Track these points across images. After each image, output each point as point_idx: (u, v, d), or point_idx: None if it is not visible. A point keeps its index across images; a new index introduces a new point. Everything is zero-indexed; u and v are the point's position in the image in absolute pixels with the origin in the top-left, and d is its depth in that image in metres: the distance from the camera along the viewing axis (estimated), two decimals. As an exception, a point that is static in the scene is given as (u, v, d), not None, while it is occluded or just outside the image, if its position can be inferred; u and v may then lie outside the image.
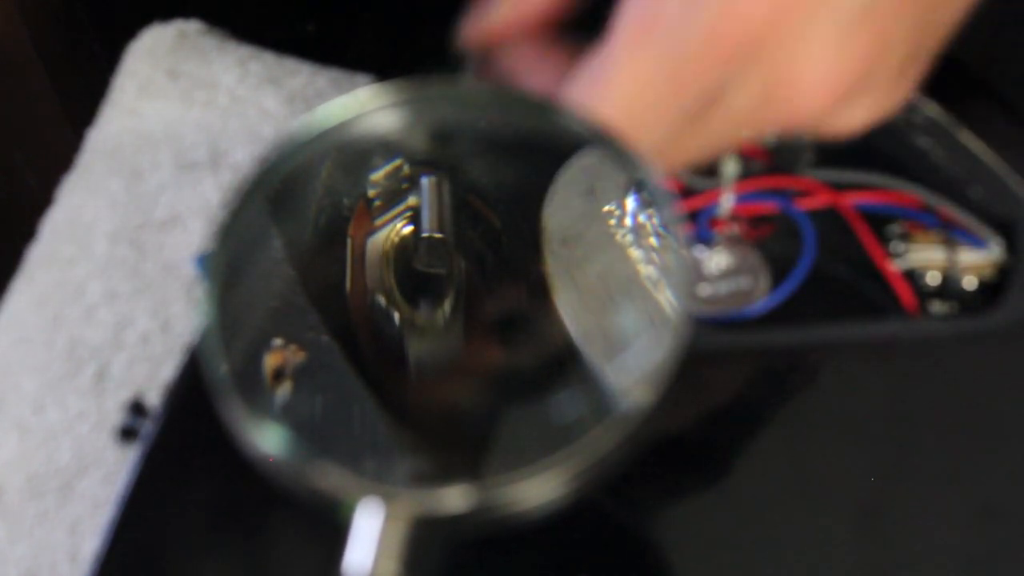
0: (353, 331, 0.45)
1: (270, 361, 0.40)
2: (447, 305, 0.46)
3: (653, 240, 0.47)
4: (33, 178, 0.87)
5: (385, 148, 0.45)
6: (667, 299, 0.43)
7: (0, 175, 0.88)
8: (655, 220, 0.47)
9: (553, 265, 0.48)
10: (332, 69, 0.74)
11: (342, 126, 0.40)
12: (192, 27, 0.76)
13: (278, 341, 0.41)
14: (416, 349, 0.46)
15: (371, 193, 0.46)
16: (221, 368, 0.36)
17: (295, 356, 0.41)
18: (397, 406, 0.44)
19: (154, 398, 0.62)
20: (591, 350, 0.45)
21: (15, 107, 0.88)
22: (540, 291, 0.47)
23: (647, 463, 0.50)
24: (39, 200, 0.72)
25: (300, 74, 0.74)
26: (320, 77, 0.74)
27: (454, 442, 0.43)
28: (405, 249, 0.47)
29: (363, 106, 0.39)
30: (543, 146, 0.43)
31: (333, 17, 0.79)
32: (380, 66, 0.72)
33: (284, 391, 0.40)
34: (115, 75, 0.75)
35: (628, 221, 0.48)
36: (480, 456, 0.41)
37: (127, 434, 0.57)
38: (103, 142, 0.73)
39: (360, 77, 0.74)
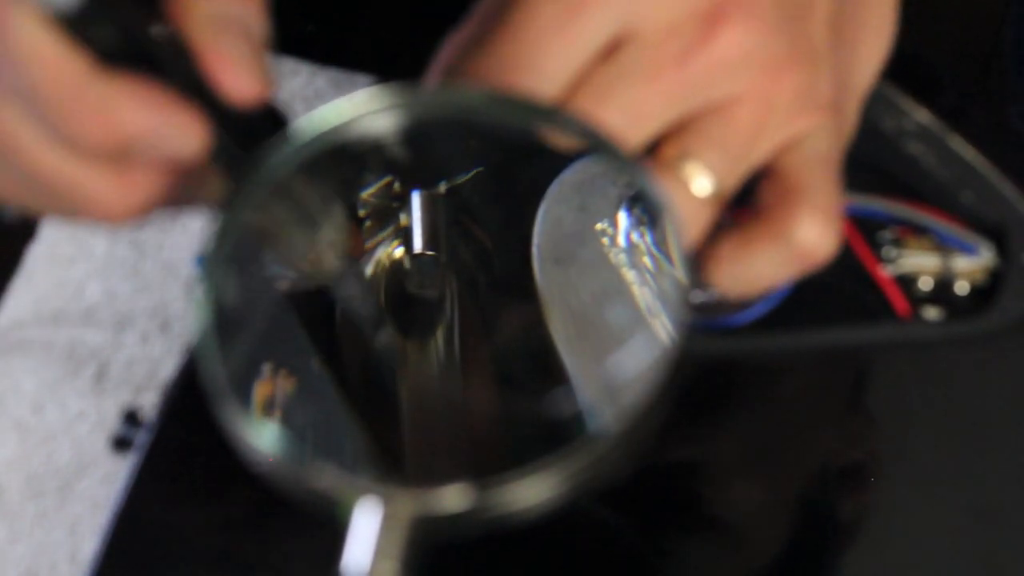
0: (344, 354, 0.45)
1: (259, 392, 0.40)
2: (440, 328, 0.47)
3: (647, 261, 0.47)
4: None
5: (376, 162, 0.45)
6: (662, 322, 0.43)
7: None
8: (648, 239, 0.47)
9: (546, 285, 0.48)
10: (332, 69, 0.74)
11: (336, 131, 0.40)
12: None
13: (267, 367, 0.41)
14: (409, 374, 0.46)
15: (361, 213, 0.46)
16: (217, 372, 0.36)
17: (285, 383, 0.42)
18: (393, 411, 0.44)
19: (153, 398, 0.62)
20: (584, 368, 0.46)
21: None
22: (533, 310, 0.47)
23: (641, 468, 0.50)
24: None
25: (300, 74, 0.74)
26: (320, 77, 0.74)
27: (450, 444, 0.43)
28: (397, 271, 0.47)
29: (358, 110, 0.39)
30: (533, 161, 0.43)
31: (333, 17, 0.79)
32: (380, 66, 0.72)
33: (275, 417, 0.40)
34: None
35: (622, 240, 0.48)
36: (477, 458, 0.41)
37: (121, 444, 0.57)
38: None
39: (360, 77, 0.74)
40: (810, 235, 0.46)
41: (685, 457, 0.51)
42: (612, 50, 0.43)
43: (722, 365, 0.54)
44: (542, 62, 0.42)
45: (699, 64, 0.42)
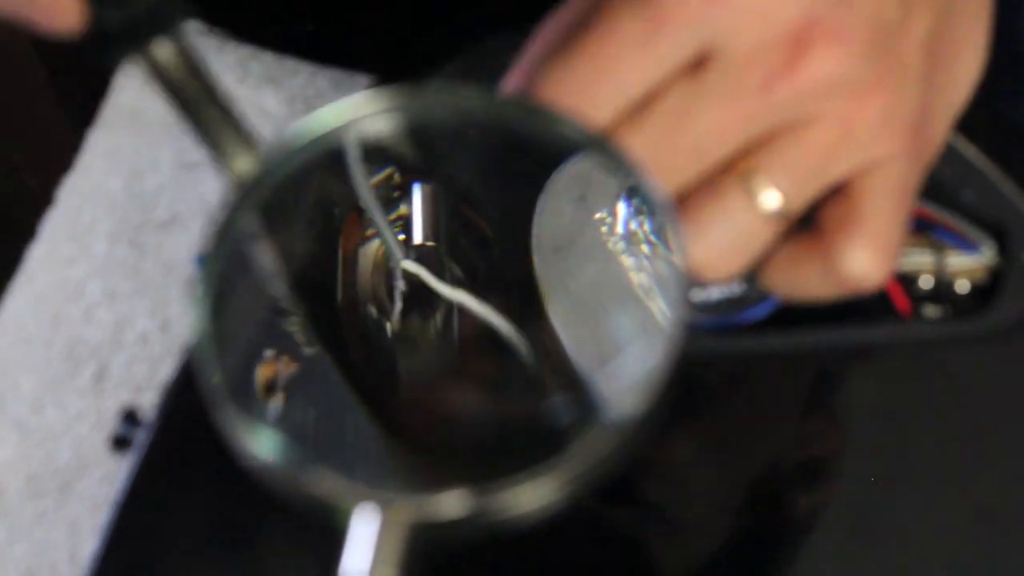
0: (345, 342, 0.45)
1: (262, 373, 0.40)
2: (439, 315, 0.47)
3: (645, 247, 0.47)
4: (33, 178, 0.87)
5: (377, 156, 0.45)
6: (659, 307, 0.43)
7: (0, 175, 0.88)
8: (647, 227, 0.47)
9: (545, 273, 0.48)
10: (332, 69, 0.75)
11: (334, 133, 0.40)
12: (192, 27, 0.76)
13: (269, 352, 0.41)
14: (408, 359, 0.46)
15: (362, 203, 0.46)
16: (214, 376, 0.36)
17: (287, 368, 0.42)
18: (390, 416, 0.44)
19: (152, 398, 0.62)
20: (584, 358, 0.46)
21: (15, 107, 0.88)
22: (532, 299, 0.47)
23: (642, 469, 0.50)
24: (39, 200, 0.72)
25: (300, 74, 0.74)
26: (320, 77, 0.74)
27: (449, 448, 0.43)
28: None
29: (356, 113, 0.39)
30: (534, 153, 0.43)
31: (333, 17, 0.79)
32: (380, 66, 0.72)
33: (276, 403, 0.40)
34: (115, 75, 0.76)
35: (620, 228, 0.48)
36: (475, 462, 0.41)
37: (120, 443, 0.57)
38: (103, 142, 0.73)
39: (360, 77, 0.74)
40: (858, 265, 0.46)
41: (679, 454, 0.51)
42: (695, 67, 0.43)
43: (719, 366, 0.54)
44: (620, 76, 0.41)
45: (783, 91, 0.42)
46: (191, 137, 0.42)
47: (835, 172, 0.45)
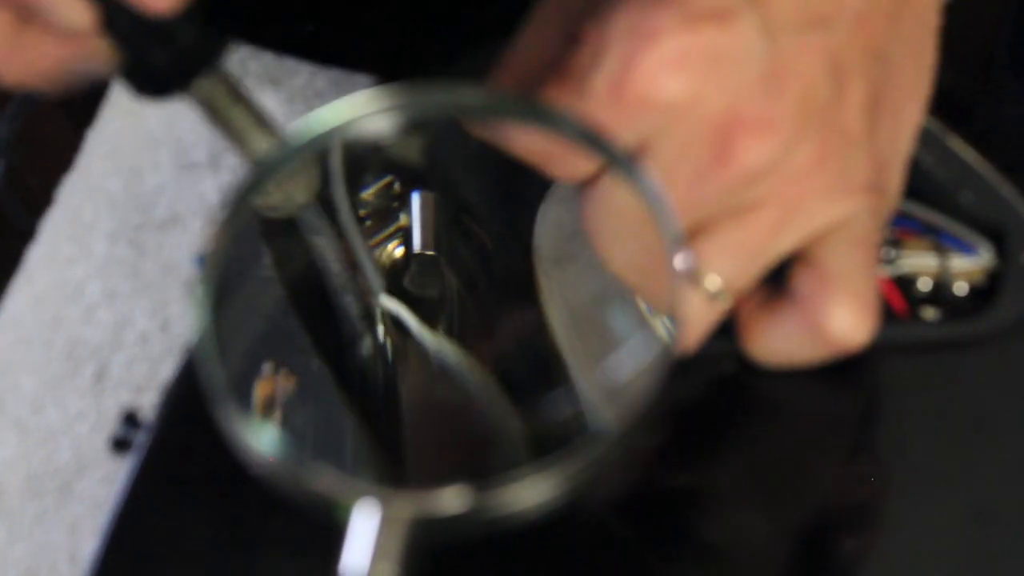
0: (344, 352, 0.45)
1: (260, 391, 0.41)
2: (439, 328, 0.47)
3: None
4: (33, 178, 0.87)
5: (376, 160, 0.45)
6: (661, 320, 0.43)
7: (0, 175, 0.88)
8: None
9: (546, 286, 0.48)
10: (332, 69, 0.75)
11: (334, 132, 0.40)
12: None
13: (268, 366, 0.41)
14: (408, 373, 0.46)
15: (361, 212, 0.46)
16: (215, 373, 0.36)
17: (286, 382, 0.42)
18: (389, 429, 0.44)
19: (152, 398, 0.63)
20: (583, 367, 0.46)
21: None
22: (532, 309, 0.47)
23: (641, 466, 0.50)
24: (39, 200, 0.72)
25: (300, 74, 0.74)
26: (320, 77, 0.74)
27: (450, 448, 0.43)
28: (396, 270, 0.47)
29: (356, 112, 0.39)
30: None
31: (333, 17, 0.79)
32: (380, 66, 0.72)
33: (275, 417, 0.40)
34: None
35: None
36: (476, 459, 0.41)
37: (120, 445, 0.57)
38: (103, 142, 0.74)
39: (360, 77, 0.74)
40: (841, 324, 0.47)
41: (677, 454, 0.51)
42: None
43: (720, 364, 0.53)
44: (563, 168, 0.43)
45: (713, 184, 0.42)
46: (236, 156, 0.43)
47: (781, 247, 0.45)
